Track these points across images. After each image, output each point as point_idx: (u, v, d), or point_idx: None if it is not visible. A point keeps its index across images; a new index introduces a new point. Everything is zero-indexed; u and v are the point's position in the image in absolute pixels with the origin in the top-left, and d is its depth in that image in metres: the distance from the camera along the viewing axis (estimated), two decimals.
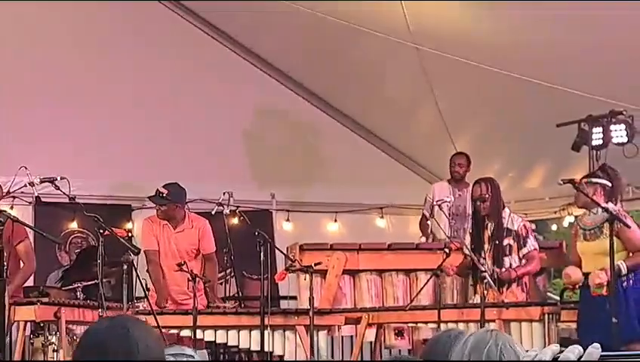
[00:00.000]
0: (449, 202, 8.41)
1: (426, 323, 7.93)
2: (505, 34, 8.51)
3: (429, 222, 9.42)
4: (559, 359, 1.63)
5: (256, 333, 7.51)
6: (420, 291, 8.15)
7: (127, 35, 10.21)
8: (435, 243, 9.09)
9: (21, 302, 6.71)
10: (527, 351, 1.86)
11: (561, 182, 7.30)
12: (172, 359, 3.27)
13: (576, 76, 8.50)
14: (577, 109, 8.69)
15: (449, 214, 9.24)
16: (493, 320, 7.39)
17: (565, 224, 9.64)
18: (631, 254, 7.08)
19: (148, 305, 7.54)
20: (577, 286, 7.40)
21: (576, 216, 8.81)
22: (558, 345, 1.68)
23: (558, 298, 8.66)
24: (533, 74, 8.58)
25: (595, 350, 1.64)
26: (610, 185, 7.26)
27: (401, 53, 9.26)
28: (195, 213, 8.67)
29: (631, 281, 7.05)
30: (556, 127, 8.78)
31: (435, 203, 8.68)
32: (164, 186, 8.10)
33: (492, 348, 2.62)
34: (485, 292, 7.49)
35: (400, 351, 8.48)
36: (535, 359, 1.66)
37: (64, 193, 6.91)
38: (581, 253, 7.30)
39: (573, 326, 7.37)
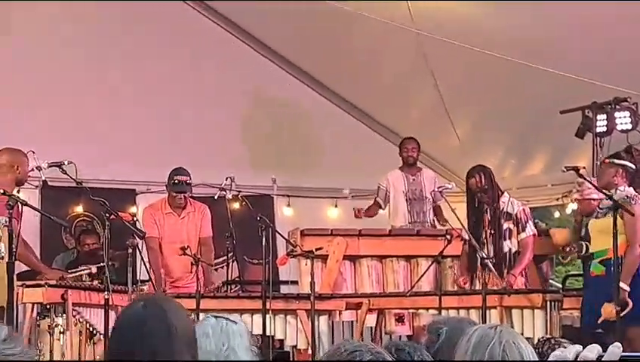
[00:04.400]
0: (450, 188, 8.48)
1: (427, 309, 7.99)
2: (507, 18, 8.52)
3: (381, 210, 9.54)
4: (578, 359, 1.63)
5: (257, 317, 7.57)
6: (420, 277, 8.22)
7: (126, 23, 10.24)
8: (436, 229, 9.18)
9: (29, 284, 6.78)
10: (554, 348, 1.87)
11: (565, 169, 7.29)
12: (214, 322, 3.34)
13: (580, 62, 8.51)
14: (581, 96, 8.70)
15: (406, 200, 9.38)
16: (495, 307, 7.44)
17: (568, 211, 9.67)
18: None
19: (152, 288, 7.64)
20: (564, 249, 7.35)
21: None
22: (581, 346, 1.66)
23: (560, 285, 8.76)
24: (536, 60, 8.59)
25: (616, 349, 1.64)
26: (633, 167, 7.22)
27: (401, 38, 9.29)
28: (198, 197, 8.77)
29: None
30: (559, 114, 8.81)
31: (437, 189, 8.76)
32: (181, 174, 8.25)
33: (495, 346, 2.57)
34: (487, 278, 7.54)
35: (400, 336, 8.55)
36: (559, 359, 1.65)
37: (71, 177, 6.98)
38: (590, 230, 7.32)
39: (576, 313, 7.40)
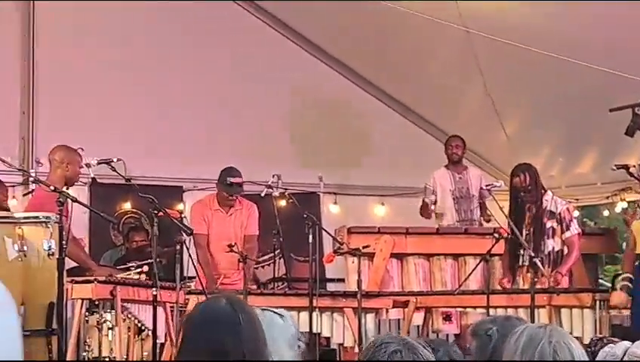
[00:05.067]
0: (498, 186, 8.43)
1: (475, 307, 7.95)
2: (556, 17, 8.45)
3: (432, 207, 9.46)
4: (624, 358, 1.62)
5: (304, 315, 7.55)
6: (468, 276, 8.16)
7: (174, 22, 10.29)
8: (484, 227, 9.13)
9: (78, 281, 6.84)
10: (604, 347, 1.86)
11: (615, 168, 7.22)
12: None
13: (630, 60, 8.41)
14: (631, 94, 8.59)
15: (453, 198, 9.32)
16: (543, 306, 7.38)
17: (618, 210, 9.57)
18: None
19: (199, 284, 7.67)
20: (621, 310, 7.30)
21: (629, 201, 8.78)
22: (630, 342, 1.66)
23: (609, 284, 8.64)
24: (585, 57, 8.50)
25: None
26: None
27: (450, 36, 9.24)
28: (245, 195, 8.79)
29: None
30: (609, 112, 8.71)
31: (484, 187, 8.70)
32: (233, 174, 8.29)
33: (545, 346, 2.55)
34: (535, 277, 7.48)
35: (447, 335, 8.51)
36: (607, 359, 1.65)
37: (120, 174, 7.01)
38: (635, 232, 7.25)
39: (626, 312, 7.33)
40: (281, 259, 9.59)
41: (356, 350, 7.68)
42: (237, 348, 2.71)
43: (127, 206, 10.01)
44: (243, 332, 2.74)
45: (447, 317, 8.38)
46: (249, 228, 8.52)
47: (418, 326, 8.41)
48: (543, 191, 7.93)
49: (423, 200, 9.49)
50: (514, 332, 2.67)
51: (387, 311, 8.14)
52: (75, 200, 6.25)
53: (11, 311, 0.88)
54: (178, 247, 7.15)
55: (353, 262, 8.08)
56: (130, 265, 7.92)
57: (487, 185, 8.54)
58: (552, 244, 7.80)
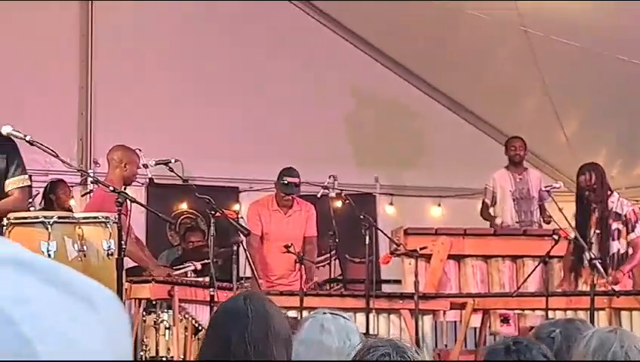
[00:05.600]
0: (557, 187, 8.34)
1: (533, 310, 7.86)
2: (616, 17, 8.35)
3: (491, 210, 9.37)
4: None
5: (360, 316, 7.51)
6: (527, 277, 8.07)
7: (229, 22, 10.32)
8: (543, 229, 9.04)
9: (137, 280, 6.87)
10: None
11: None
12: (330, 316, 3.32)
13: None
14: None
15: (513, 200, 9.22)
16: (603, 309, 7.28)
17: None
18: None
19: (255, 285, 7.68)
20: None
21: None
22: None
23: None
24: None
25: None
26: None
27: (509, 36, 9.18)
28: (301, 196, 8.79)
29: None
30: None
31: (544, 188, 8.62)
32: (291, 175, 8.29)
33: (617, 350, 2.53)
34: (595, 279, 7.38)
35: (505, 337, 8.41)
36: None
37: (177, 175, 7.04)
38: None
39: None
40: (337, 260, 9.59)
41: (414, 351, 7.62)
42: (240, 343, 2.72)
43: (183, 206, 10.06)
44: (250, 328, 2.74)
45: (505, 320, 8.29)
46: (308, 229, 8.52)
47: (475, 328, 8.35)
48: (609, 192, 7.84)
49: (484, 202, 9.41)
50: (583, 336, 2.62)
51: (444, 313, 8.07)
52: (133, 201, 6.29)
53: (126, 331, 0.84)
54: (235, 248, 7.16)
55: (410, 264, 8.03)
56: (187, 265, 7.94)
57: (546, 187, 8.44)
58: (617, 246, 7.70)
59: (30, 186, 6.51)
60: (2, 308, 0.83)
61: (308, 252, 8.24)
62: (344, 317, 3.48)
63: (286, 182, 8.37)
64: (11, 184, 5.94)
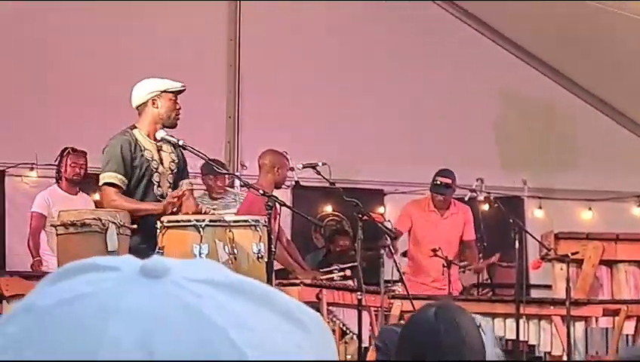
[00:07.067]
0: None
1: None
2: None
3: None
4: None
5: (510, 322, 7.41)
6: None
7: (379, 24, 10.28)
8: None
9: (285, 283, 6.90)
10: None
11: None
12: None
13: None
14: None
15: None
16: None
17: None
18: None
19: (403, 288, 7.62)
20: None
21: None
22: None
23: None
24: None
25: None
26: None
27: None
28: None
29: None
30: None
31: None
32: (443, 175, 8.23)
33: None
34: None
35: None
36: None
37: (325, 178, 7.04)
38: None
39: None
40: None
41: (564, 358, 7.46)
42: (433, 358, 2.64)
43: (328, 209, 10.07)
44: (444, 343, 2.65)
45: None
46: (467, 233, 8.42)
47: (628, 336, 8.11)
48: None
49: None
50: None
51: (597, 320, 7.87)
52: (283, 204, 6.30)
53: (334, 352, 0.85)
54: (382, 251, 7.11)
55: (562, 269, 7.85)
56: (334, 268, 7.94)
57: None
58: None
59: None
60: (227, 333, 0.83)
61: (469, 257, 8.16)
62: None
63: (438, 182, 8.31)
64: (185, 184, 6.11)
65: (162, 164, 5.98)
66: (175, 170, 6.06)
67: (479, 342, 2.71)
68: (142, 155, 5.89)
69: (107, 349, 0.81)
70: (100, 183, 5.88)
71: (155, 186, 5.94)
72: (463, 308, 2.89)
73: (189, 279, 0.87)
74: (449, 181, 8.30)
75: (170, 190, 5.97)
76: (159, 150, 5.98)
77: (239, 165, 9.83)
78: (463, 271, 8.46)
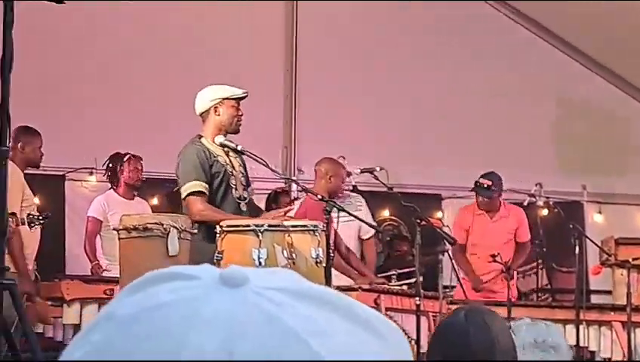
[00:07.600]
0: None
1: None
2: None
3: None
4: None
5: (570, 328, 7.36)
6: None
7: (437, 29, 10.23)
8: None
9: (343, 288, 6.88)
10: None
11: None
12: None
13: None
14: None
15: None
16: None
17: None
18: None
19: (462, 293, 7.59)
20: None
21: None
22: None
23: None
24: None
25: None
26: None
27: None
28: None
29: None
30: None
31: None
32: (485, 177, 8.17)
33: None
34: None
35: None
36: None
37: (382, 183, 7.04)
38: None
39: None
40: (543, 269, 9.38)
41: None
42: (465, 359, 2.63)
43: (385, 213, 10.04)
44: (473, 344, 2.65)
45: None
46: (522, 234, 8.32)
47: None
48: None
49: None
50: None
51: None
52: (341, 209, 6.30)
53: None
54: (440, 257, 7.09)
55: (622, 274, 7.77)
56: (392, 273, 7.93)
57: None
58: None
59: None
60: (306, 342, 0.84)
61: (521, 257, 8.12)
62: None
63: (478, 182, 8.21)
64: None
65: (234, 168, 6.05)
66: (244, 173, 6.14)
67: (510, 344, 2.71)
68: (217, 161, 5.94)
69: (189, 356, 0.82)
70: (184, 195, 5.85)
71: (233, 190, 6.00)
72: (493, 311, 2.91)
73: (267, 287, 0.88)
74: (489, 183, 8.16)
75: (244, 192, 6.04)
76: (227, 154, 6.04)
77: (296, 170, 9.84)
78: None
